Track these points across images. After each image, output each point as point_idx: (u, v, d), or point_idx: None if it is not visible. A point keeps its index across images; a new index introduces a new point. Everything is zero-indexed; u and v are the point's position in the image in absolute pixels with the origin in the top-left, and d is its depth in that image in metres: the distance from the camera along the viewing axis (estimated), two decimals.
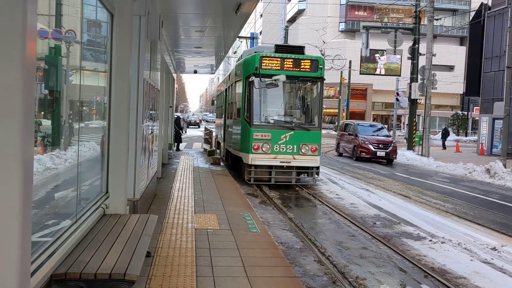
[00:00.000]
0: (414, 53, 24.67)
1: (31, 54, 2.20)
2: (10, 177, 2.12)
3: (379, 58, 31.59)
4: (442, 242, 7.21)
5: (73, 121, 10.78)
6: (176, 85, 23.02)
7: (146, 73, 6.98)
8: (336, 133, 29.03)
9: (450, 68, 59.74)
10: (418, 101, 24.95)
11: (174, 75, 19.28)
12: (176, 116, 21.87)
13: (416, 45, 24.58)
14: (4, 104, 2.09)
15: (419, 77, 23.27)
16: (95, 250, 3.77)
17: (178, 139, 20.37)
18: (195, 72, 19.83)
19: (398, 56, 29.25)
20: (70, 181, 6.13)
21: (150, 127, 8.00)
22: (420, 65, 23.60)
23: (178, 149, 20.14)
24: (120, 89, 5.28)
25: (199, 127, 51.62)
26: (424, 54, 22.79)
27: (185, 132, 22.17)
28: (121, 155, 5.33)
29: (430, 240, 7.31)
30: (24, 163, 2.16)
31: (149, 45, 7.31)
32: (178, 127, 20.64)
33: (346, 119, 49.25)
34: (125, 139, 5.36)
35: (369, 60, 31.67)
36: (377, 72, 32.53)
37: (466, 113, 46.71)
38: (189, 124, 49.89)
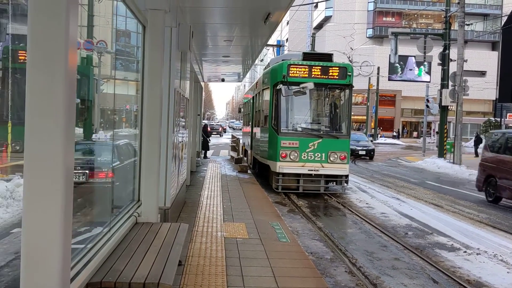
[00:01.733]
0: (444, 59, 24.21)
1: (72, 65, 2.26)
2: (53, 187, 2.17)
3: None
4: (477, 254, 7.01)
5: (104, 129, 11.00)
6: (203, 93, 23.25)
7: (177, 83, 7.07)
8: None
9: (482, 73, 58.33)
10: (449, 107, 24.44)
11: (202, 84, 19.48)
12: (203, 124, 22.07)
13: (447, 51, 24.12)
14: (48, 115, 2.15)
15: (450, 83, 22.80)
16: (128, 259, 3.82)
17: (205, 146, 20.52)
18: (223, 80, 19.98)
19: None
20: (103, 189, 6.24)
21: (180, 135, 8.08)
22: (450, 71, 23.13)
23: (205, 157, 20.28)
24: (152, 98, 5.35)
25: (221, 136, 47.38)
26: (455, 60, 22.33)
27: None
28: (153, 163, 5.39)
29: (465, 251, 7.12)
30: (66, 172, 2.21)
31: (180, 55, 7.41)
32: (206, 134, 20.80)
33: (375, 126, 48.77)
34: (156, 147, 5.42)
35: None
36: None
37: (499, 119, 45.45)
38: (211, 132, 43.35)
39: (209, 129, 24.98)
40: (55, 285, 2.18)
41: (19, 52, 11.54)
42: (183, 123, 9.09)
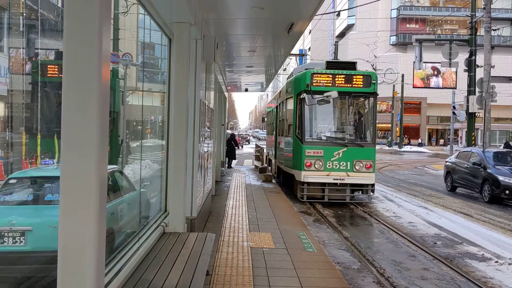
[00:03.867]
0: (470, 65, 23.80)
1: (106, 79, 2.33)
2: (88, 197, 2.23)
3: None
4: (509, 264, 6.83)
5: (130, 140, 11.14)
6: (227, 103, 23.42)
7: (202, 94, 7.16)
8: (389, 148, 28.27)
9: (510, 79, 56.95)
10: (476, 114, 23.97)
11: (226, 94, 19.64)
12: (230, 134, 22.24)
13: (473, 57, 23.71)
14: (82, 128, 2.22)
15: (477, 89, 22.37)
16: (157, 269, 3.87)
17: (232, 156, 20.59)
18: (246, 90, 20.10)
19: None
20: (132, 199, 6.34)
21: (205, 145, 8.16)
22: (477, 77, 22.71)
23: (229, 166, 20.36)
24: (178, 109, 5.44)
25: (239, 148, 43.40)
26: (482, 66, 21.92)
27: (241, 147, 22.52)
28: (180, 174, 5.46)
29: (496, 261, 6.94)
30: (100, 184, 2.27)
31: (204, 67, 7.51)
32: (235, 143, 20.92)
33: (400, 134, 48.12)
34: (183, 157, 5.49)
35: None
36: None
37: None
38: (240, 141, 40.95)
39: (238, 138, 25.08)
40: None
41: (48, 66, 11.88)
42: (208, 133, 9.17)
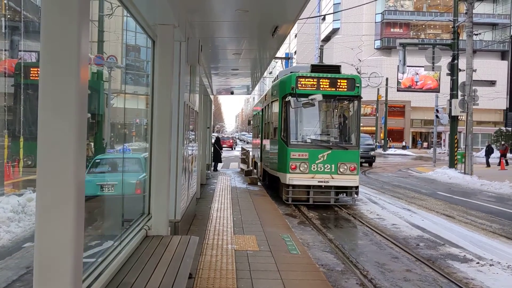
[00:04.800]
0: (453, 69, 24.16)
1: (84, 80, 2.31)
2: (65, 200, 2.20)
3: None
4: (490, 265, 6.91)
5: (115, 143, 11.10)
6: (213, 106, 23.40)
7: (186, 96, 7.14)
8: None
9: (492, 83, 57.94)
10: (459, 117, 24.31)
11: (212, 97, 19.60)
12: (215, 137, 22.19)
13: (455, 61, 24.07)
14: (60, 129, 2.20)
15: (460, 93, 22.71)
16: (139, 272, 3.83)
17: (217, 159, 20.56)
18: (232, 93, 20.11)
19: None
20: (114, 202, 6.27)
21: (190, 148, 8.13)
22: (460, 81, 23.05)
23: (215, 169, 20.32)
24: (162, 112, 5.41)
25: (233, 149, 46.73)
26: (464, 70, 22.27)
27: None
28: (163, 177, 5.43)
29: (478, 263, 7.03)
30: (77, 186, 2.24)
31: (189, 69, 7.49)
32: (219, 147, 20.88)
33: (384, 137, 48.55)
34: (167, 160, 5.46)
35: None
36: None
37: (510, 129, 45.06)
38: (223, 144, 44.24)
39: (231, 141, 25.17)
40: None
41: (31, 68, 11.73)
42: (193, 136, 9.14)
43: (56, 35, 2.24)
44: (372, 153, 26.99)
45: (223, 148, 45.34)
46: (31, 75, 11.48)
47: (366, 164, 26.52)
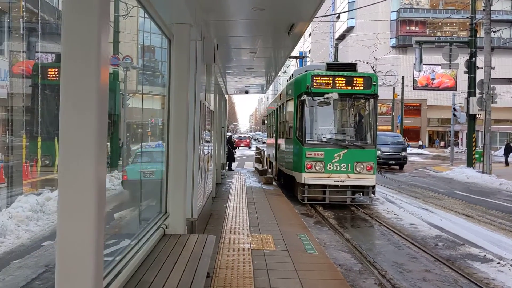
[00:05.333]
0: (471, 67, 23.81)
1: (104, 81, 2.31)
2: (86, 199, 2.21)
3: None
4: (511, 265, 6.79)
5: (130, 142, 11.16)
6: (227, 106, 23.44)
7: (202, 95, 7.14)
8: None
9: (510, 81, 56.87)
10: (477, 116, 23.95)
11: (226, 96, 19.62)
12: (228, 136, 22.20)
13: (473, 59, 23.71)
14: (82, 129, 2.20)
15: (477, 91, 22.37)
16: (157, 271, 3.84)
17: (231, 158, 20.57)
18: (247, 92, 20.08)
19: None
20: (132, 202, 6.31)
21: (205, 147, 8.14)
22: (477, 79, 22.71)
23: (230, 169, 20.33)
24: (178, 111, 5.42)
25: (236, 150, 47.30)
26: (482, 68, 21.93)
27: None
28: (180, 176, 5.43)
29: (498, 263, 6.91)
30: (98, 185, 2.25)
31: (205, 68, 7.49)
32: (231, 146, 20.88)
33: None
34: (183, 159, 5.47)
35: None
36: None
37: None
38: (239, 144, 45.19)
39: (236, 140, 25.06)
40: None
41: (48, 69, 11.86)
42: (209, 135, 9.15)
43: (76, 36, 2.25)
44: (403, 153, 23.53)
45: (241, 147, 46.43)
46: (48, 75, 11.62)
47: (397, 167, 23.62)
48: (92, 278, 2.22)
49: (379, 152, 17.90)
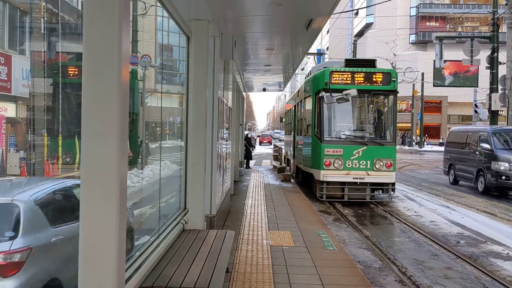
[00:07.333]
0: (493, 63, 23.31)
1: (125, 78, 2.34)
2: (108, 194, 2.24)
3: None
4: None
5: (149, 141, 11.23)
6: (245, 104, 23.44)
7: (220, 92, 7.16)
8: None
9: None
10: (499, 112, 23.47)
11: (244, 94, 19.63)
12: (245, 134, 22.24)
13: (495, 54, 23.22)
14: (105, 122, 2.23)
15: (500, 87, 21.93)
16: (177, 265, 3.86)
17: (248, 156, 20.62)
18: (264, 89, 20.06)
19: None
20: (151, 198, 6.36)
21: (224, 145, 8.15)
22: (499, 75, 22.26)
23: (248, 167, 20.36)
24: (197, 108, 5.44)
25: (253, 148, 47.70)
26: (504, 63, 21.48)
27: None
28: (199, 173, 5.45)
29: None
30: (120, 180, 2.27)
31: (223, 65, 7.50)
32: (249, 144, 20.92)
33: (420, 133, 47.46)
34: (202, 157, 5.49)
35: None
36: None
37: None
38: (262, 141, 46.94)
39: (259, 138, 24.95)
40: (112, 284, 2.25)
41: (69, 67, 12.03)
42: (227, 133, 9.16)
43: (98, 34, 2.28)
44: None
45: (263, 144, 47.46)
46: (69, 74, 11.77)
47: None
48: (114, 270, 2.24)
49: (507, 165, 13.24)
